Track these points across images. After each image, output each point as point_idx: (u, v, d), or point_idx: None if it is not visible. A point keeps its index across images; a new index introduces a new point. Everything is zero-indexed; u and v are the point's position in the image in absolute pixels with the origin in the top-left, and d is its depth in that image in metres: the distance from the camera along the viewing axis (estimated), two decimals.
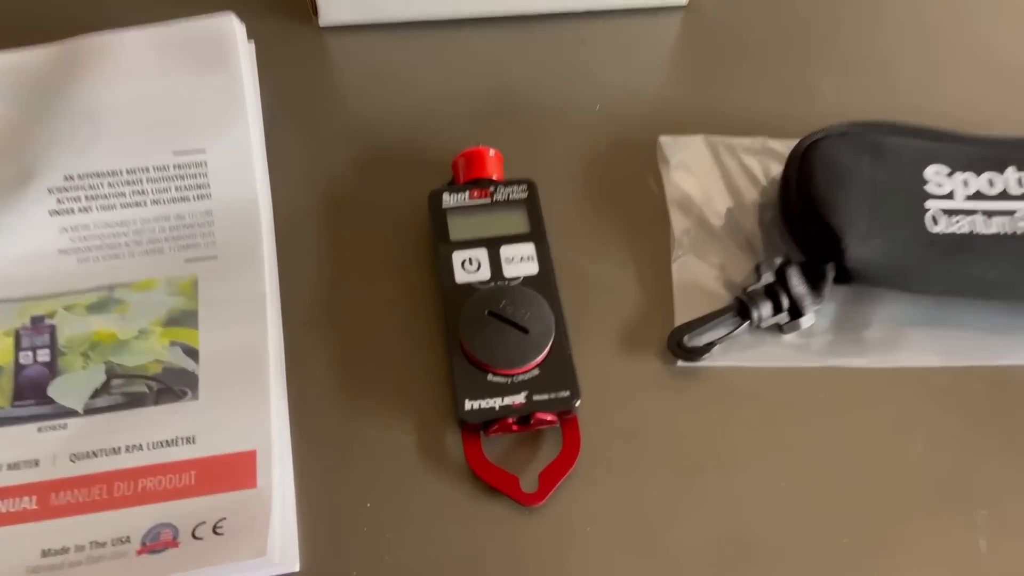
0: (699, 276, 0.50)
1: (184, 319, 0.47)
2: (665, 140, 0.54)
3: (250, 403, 0.44)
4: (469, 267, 0.47)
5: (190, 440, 0.43)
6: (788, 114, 0.55)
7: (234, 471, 0.43)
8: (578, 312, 0.48)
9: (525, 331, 0.44)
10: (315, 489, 0.44)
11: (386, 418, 0.45)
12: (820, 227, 0.47)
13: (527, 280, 0.47)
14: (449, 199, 0.49)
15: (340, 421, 0.45)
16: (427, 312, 0.48)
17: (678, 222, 0.52)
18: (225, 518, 0.41)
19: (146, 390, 0.45)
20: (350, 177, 0.52)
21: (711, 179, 0.53)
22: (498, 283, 0.46)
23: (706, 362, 0.47)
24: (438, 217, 0.48)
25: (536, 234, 0.48)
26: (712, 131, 0.54)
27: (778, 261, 0.48)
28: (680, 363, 0.47)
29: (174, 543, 0.40)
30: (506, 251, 0.47)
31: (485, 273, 0.47)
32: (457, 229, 0.48)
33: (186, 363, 0.45)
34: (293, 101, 0.55)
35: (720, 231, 0.51)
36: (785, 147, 0.53)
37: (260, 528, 0.41)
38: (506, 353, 0.44)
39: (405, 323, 0.48)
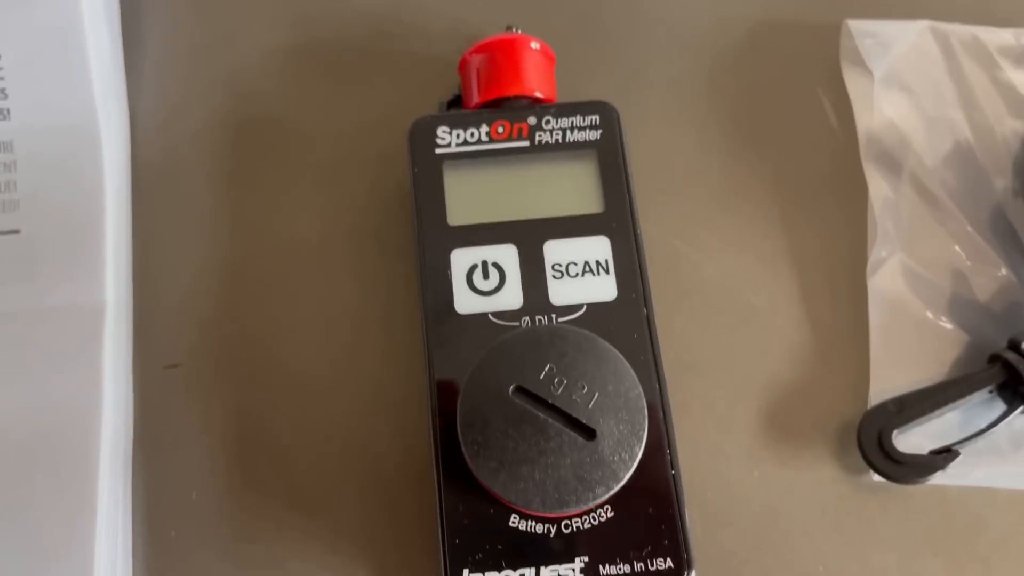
0: (918, 299, 0.27)
1: None
2: (857, 27, 0.29)
3: (57, 534, 0.23)
4: (483, 282, 0.24)
5: None
6: None
7: None
8: (679, 370, 0.26)
9: (589, 433, 0.22)
10: None
11: None
12: None
13: (592, 314, 0.24)
14: (449, 138, 0.25)
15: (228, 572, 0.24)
16: (400, 369, 0.26)
17: (879, 187, 0.28)
18: None
19: None
20: (273, 86, 0.29)
21: (943, 105, 0.29)
22: (538, 319, 0.24)
23: (934, 480, 0.25)
24: (427, 176, 0.25)
25: (617, 216, 0.25)
26: (945, 15, 0.29)
27: None
28: (877, 477, 0.25)
29: None
30: (556, 251, 0.24)
31: (513, 296, 0.24)
32: (463, 202, 0.25)
33: None
34: None
35: (961, 207, 0.28)
36: None
37: None
38: (549, 479, 0.21)
39: (359, 387, 0.26)
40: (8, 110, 0.27)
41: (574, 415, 0.22)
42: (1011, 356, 0.25)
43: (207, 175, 0.28)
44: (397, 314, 0.26)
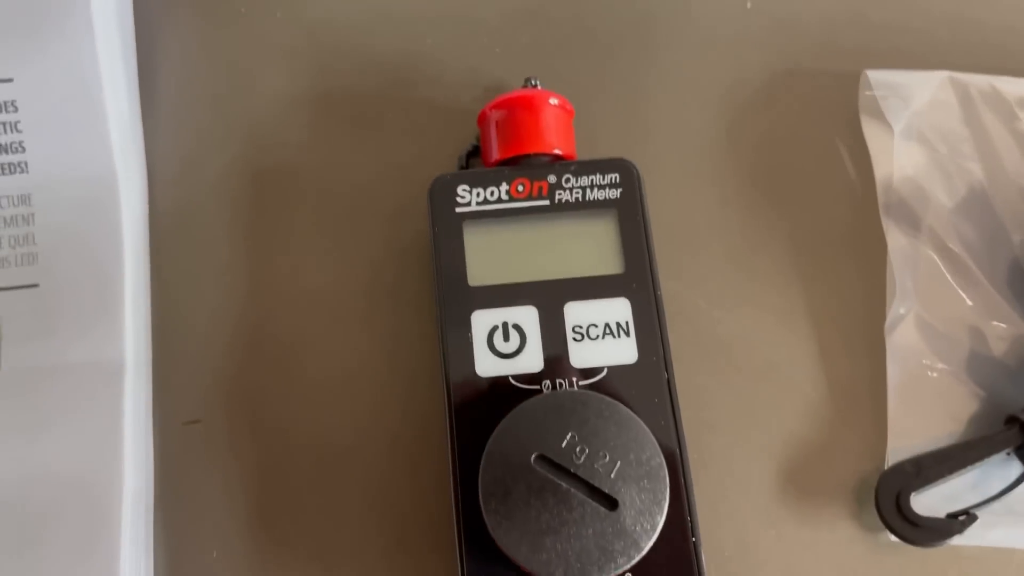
0: (936, 356, 0.27)
1: None
2: (876, 78, 0.29)
3: None
4: (504, 344, 0.24)
5: None
6: None
7: None
8: (697, 427, 0.26)
9: (611, 503, 0.22)
10: None
11: None
12: None
13: (613, 378, 0.24)
14: (469, 196, 0.25)
15: None
16: (420, 423, 0.26)
17: (897, 242, 0.28)
18: None
19: None
20: (289, 136, 0.29)
21: (962, 157, 0.29)
22: (559, 383, 0.24)
23: (952, 540, 0.25)
24: (447, 235, 0.25)
25: (637, 277, 0.25)
26: (964, 65, 0.29)
27: None
28: (894, 538, 0.25)
29: None
30: (577, 313, 0.24)
31: (534, 359, 0.24)
32: (483, 262, 0.25)
33: None
34: None
35: (978, 263, 0.28)
36: None
37: None
38: (571, 549, 0.22)
39: (380, 443, 0.26)
40: (26, 163, 0.27)
41: (596, 484, 0.22)
42: (1022, 413, 0.25)
43: (224, 227, 0.28)
44: (417, 369, 0.26)
